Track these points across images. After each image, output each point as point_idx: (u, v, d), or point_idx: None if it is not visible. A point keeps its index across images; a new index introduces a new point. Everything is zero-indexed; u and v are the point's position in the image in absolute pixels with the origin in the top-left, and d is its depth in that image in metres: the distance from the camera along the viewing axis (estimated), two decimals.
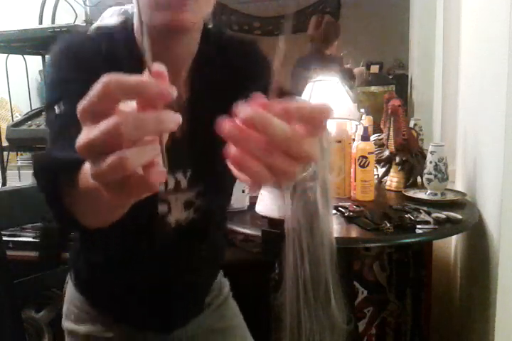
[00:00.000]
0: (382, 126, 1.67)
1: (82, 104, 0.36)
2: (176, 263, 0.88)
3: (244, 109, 0.39)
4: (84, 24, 1.70)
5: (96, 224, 0.59)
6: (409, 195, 1.49)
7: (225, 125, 0.39)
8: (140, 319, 0.93)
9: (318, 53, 3.11)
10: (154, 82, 0.36)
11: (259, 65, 0.82)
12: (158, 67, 0.37)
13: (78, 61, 0.70)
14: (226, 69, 0.78)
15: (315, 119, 0.41)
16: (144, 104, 0.36)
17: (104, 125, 0.35)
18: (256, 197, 1.30)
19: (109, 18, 1.73)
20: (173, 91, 0.36)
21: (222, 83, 0.77)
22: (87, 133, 0.36)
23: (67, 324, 0.97)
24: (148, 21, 0.65)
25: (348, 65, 2.96)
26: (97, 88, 0.35)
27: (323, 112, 0.40)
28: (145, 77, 0.37)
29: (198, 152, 0.78)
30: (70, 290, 0.97)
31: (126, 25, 0.75)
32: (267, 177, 0.41)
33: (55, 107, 0.68)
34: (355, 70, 2.93)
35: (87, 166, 0.48)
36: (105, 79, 0.35)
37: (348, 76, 2.86)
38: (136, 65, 0.53)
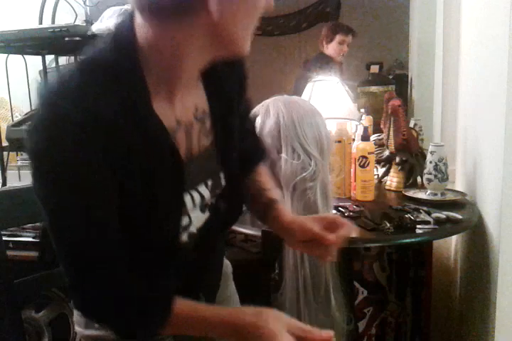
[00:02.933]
0: (382, 126, 1.67)
1: None
2: (201, 259, 0.85)
3: None
4: (85, 24, 1.69)
5: None
6: (409, 195, 1.49)
7: None
8: None
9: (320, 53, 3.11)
10: None
11: (242, 70, 0.84)
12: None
13: (92, 135, 0.60)
14: (228, 79, 0.79)
15: None
16: None
17: None
18: None
19: (109, 18, 1.73)
20: None
21: (229, 94, 0.79)
22: None
23: (88, 332, 0.87)
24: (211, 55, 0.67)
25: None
26: None
27: None
28: None
29: (225, 161, 0.80)
30: None
31: (124, 57, 0.65)
32: None
33: (79, 214, 0.63)
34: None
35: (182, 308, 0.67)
36: None
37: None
38: (145, 91, 0.61)
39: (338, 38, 3.02)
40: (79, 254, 0.65)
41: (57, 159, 0.60)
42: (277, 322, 0.69)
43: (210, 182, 0.79)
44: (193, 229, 0.78)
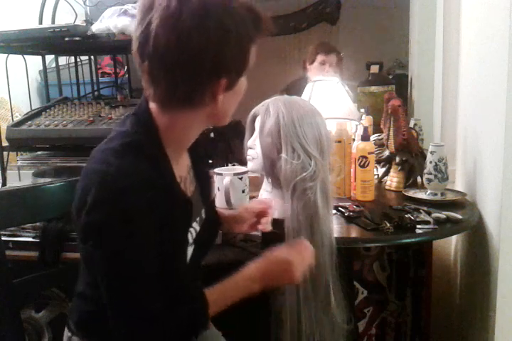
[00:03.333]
0: (382, 126, 1.66)
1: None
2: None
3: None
4: (85, 24, 1.69)
5: None
6: (409, 195, 1.49)
7: None
8: None
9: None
10: None
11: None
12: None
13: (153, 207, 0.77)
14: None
15: None
16: None
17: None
18: (256, 197, 1.30)
19: (109, 18, 1.73)
20: None
21: (196, 149, 0.99)
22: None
23: None
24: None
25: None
26: None
27: None
28: None
29: (205, 199, 1.00)
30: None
31: (149, 134, 0.83)
32: None
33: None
34: None
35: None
36: None
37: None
38: (168, 165, 0.84)
39: (319, 58, 2.88)
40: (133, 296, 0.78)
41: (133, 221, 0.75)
42: (281, 252, 0.94)
43: (198, 219, 0.97)
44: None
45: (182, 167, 0.92)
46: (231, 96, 0.83)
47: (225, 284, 0.92)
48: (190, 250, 0.93)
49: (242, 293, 0.91)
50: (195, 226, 0.95)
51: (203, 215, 1.00)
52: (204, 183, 1.01)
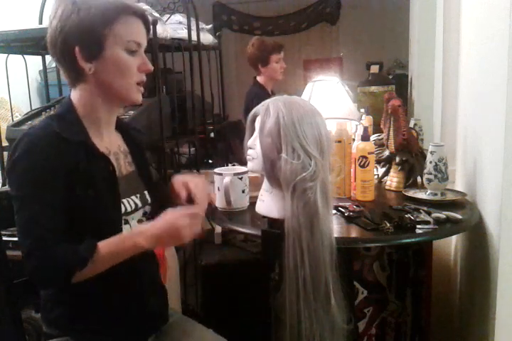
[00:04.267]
0: (382, 126, 1.66)
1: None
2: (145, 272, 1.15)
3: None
4: None
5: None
6: (409, 195, 1.49)
7: None
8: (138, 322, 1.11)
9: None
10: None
11: (144, 138, 1.29)
12: None
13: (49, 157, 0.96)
14: (135, 137, 1.21)
15: None
16: None
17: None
18: (256, 197, 1.30)
19: None
20: None
21: (138, 145, 1.20)
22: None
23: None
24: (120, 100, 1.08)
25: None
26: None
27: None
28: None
29: (146, 183, 1.17)
30: None
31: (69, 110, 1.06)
32: None
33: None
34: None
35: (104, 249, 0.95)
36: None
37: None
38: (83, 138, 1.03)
39: (274, 58, 2.78)
40: (31, 228, 0.94)
41: (31, 164, 0.95)
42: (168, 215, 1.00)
43: (139, 195, 1.13)
44: None
45: (108, 143, 1.10)
46: (106, 67, 1.01)
47: (117, 237, 0.99)
48: (125, 225, 1.08)
49: (132, 248, 0.97)
50: (135, 199, 1.11)
51: (148, 197, 1.16)
52: (142, 170, 1.18)
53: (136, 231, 1.01)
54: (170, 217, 0.99)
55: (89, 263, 0.93)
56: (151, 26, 1.58)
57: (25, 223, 0.94)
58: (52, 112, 1.77)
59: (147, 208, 1.16)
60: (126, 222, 1.09)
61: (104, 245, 0.95)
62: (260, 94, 2.68)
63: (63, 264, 0.93)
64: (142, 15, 1.04)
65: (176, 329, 1.18)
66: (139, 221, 1.13)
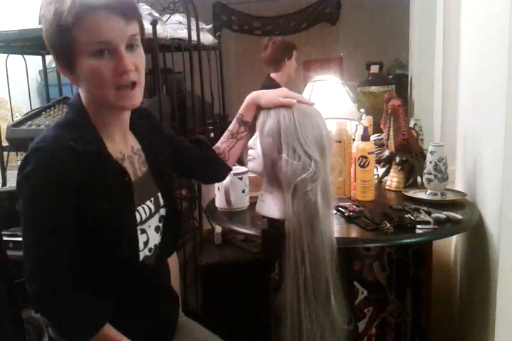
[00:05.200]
0: (382, 126, 1.66)
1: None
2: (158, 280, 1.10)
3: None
4: None
5: None
6: (409, 195, 1.49)
7: None
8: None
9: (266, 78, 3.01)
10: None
11: (152, 119, 1.18)
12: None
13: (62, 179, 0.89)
14: (145, 128, 1.12)
15: None
16: None
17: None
18: (256, 197, 1.30)
19: None
20: None
21: (150, 137, 1.11)
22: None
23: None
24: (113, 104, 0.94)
25: None
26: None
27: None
28: None
29: (159, 183, 1.09)
30: None
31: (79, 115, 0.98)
32: None
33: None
34: None
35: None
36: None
37: None
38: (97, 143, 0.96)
39: (294, 53, 2.95)
40: (37, 257, 0.89)
41: (42, 184, 0.89)
42: None
43: (153, 199, 1.07)
44: (152, 245, 1.04)
45: (122, 145, 1.03)
46: (82, 77, 0.92)
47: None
48: (152, 234, 1.04)
49: None
50: (149, 204, 1.05)
51: (161, 199, 1.09)
52: (155, 168, 1.09)
53: None
54: None
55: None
56: (152, 26, 1.59)
57: (31, 247, 0.90)
58: (53, 112, 1.77)
59: (162, 211, 1.09)
60: (143, 232, 1.02)
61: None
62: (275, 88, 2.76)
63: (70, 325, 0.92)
64: (112, 7, 0.86)
65: (181, 333, 1.17)
66: (156, 228, 1.07)
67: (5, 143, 1.75)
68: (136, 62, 0.92)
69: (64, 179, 0.89)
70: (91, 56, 0.88)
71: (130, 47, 0.91)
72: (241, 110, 1.20)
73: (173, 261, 1.78)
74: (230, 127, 1.23)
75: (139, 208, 1.01)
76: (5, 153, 1.76)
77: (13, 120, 2.08)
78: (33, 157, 0.89)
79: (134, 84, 0.91)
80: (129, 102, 0.93)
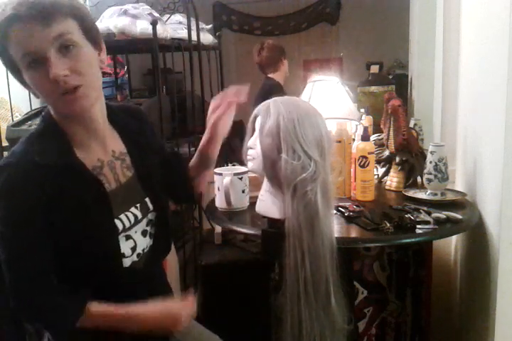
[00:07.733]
0: (382, 126, 1.66)
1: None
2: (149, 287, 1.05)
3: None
4: None
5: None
6: (409, 195, 1.49)
7: None
8: None
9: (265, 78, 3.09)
10: None
11: (144, 120, 1.14)
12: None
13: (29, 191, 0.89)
14: (134, 128, 1.08)
15: None
16: None
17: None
18: (256, 197, 1.30)
19: (109, 18, 1.73)
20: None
21: (138, 138, 1.08)
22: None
23: None
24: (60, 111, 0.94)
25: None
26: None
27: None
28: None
29: (147, 187, 1.05)
30: None
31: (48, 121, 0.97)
32: None
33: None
34: None
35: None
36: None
37: None
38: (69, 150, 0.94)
39: (285, 62, 3.05)
40: (16, 266, 0.90)
41: (9, 205, 0.89)
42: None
43: (139, 205, 1.03)
44: (140, 249, 1.03)
45: (100, 151, 1.00)
46: (30, 81, 0.89)
47: (117, 308, 0.94)
48: (140, 239, 1.03)
49: (127, 324, 0.95)
50: (134, 211, 1.02)
51: (150, 205, 1.05)
52: (142, 171, 1.05)
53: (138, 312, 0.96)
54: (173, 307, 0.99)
55: (79, 323, 0.91)
56: (152, 26, 1.59)
57: (6, 262, 0.90)
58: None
59: (151, 215, 1.06)
60: (129, 238, 1.00)
61: (100, 313, 0.93)
62: (278, 86, 2.89)
63: (51, 322, 0.94)
64: (25, 16, 0.81)
65: (180, 333, 1.16)
66: (144, 232, 1.05)
67: (5, 143, 1.75)
68: (74, 64, 0.86)
69: (30, 195, 0.88)
70: (28, 69, 0.86)
71: (64, 49, 0.85)
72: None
73: (173, 261, 1.78)
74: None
75: (122, 216, 0.99)
76: (5, 153, 1.76)
77: (13, 120, 2.07)
78: (1, 174, 0.89)
79: (76, 88, 0.87)
80: (74, 107, 0.89)
